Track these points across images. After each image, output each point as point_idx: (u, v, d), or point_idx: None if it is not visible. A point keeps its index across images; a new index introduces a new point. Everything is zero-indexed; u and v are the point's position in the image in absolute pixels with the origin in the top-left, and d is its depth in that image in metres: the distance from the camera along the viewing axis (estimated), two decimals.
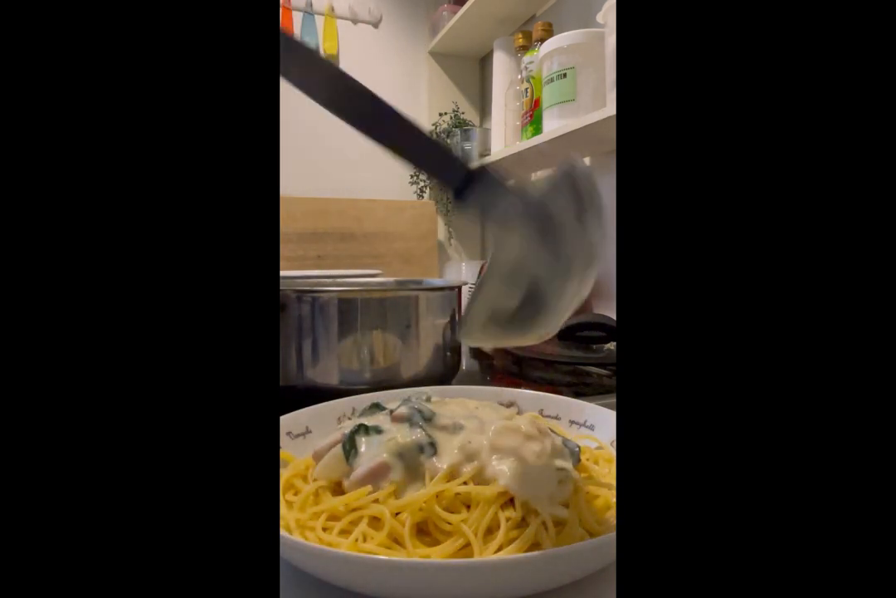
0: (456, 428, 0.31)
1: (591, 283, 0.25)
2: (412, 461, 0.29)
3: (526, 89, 1.03)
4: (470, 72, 1.53)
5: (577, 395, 0.54)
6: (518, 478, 0.27)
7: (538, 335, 0.26)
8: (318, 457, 0.32)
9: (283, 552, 0.22)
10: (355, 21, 1.43)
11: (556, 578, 0.23)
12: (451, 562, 0.21)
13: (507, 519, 0.26)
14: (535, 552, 0.22)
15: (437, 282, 0.65)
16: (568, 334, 0.80)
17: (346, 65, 1.41)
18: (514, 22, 1.29)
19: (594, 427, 0.39)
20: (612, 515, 0.29)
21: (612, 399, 0.51)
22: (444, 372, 0.56)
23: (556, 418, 0.41)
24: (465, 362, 0.79)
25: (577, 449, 0.32)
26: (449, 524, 0.26)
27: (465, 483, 0.27)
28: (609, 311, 1.01)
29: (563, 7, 1.16)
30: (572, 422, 0.40)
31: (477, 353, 0.88)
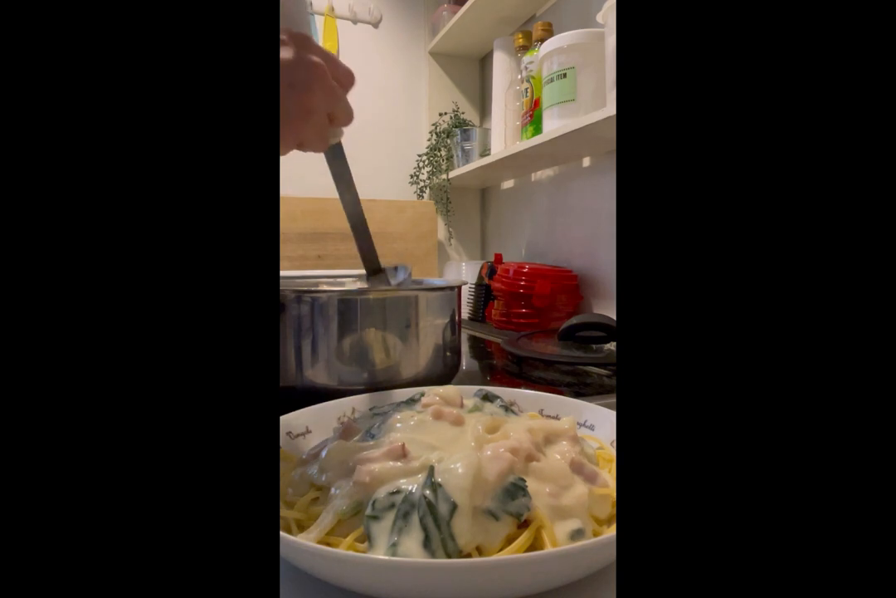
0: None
1: None
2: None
3: (526, 89, 1.03)
4: (470, 72, 1.53)
5: (577, 395, 0.54)
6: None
7: None
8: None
9: (283, 552, 0.22)
10: (355, 21, 1.43)
11: (556, 578, 0.23)
12: (451, 562, 0.21)
13: None
14: (535, 552, 0.22)
15: (437, 282, 0.65)
16: (568, 334, 0.80)
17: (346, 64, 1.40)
18: (514, 22, 1.29)
19: (594, 427, 0.39)
20: (612, 515, 0.29)
21: (612, 399, 0.51)
22: (444, 372, 0.56)
23: (556, 418, 0.41)
24: (465, 362, 0.79)
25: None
26: None
27: None
28: (609, 311, 1.01)
29: (563, 7, 1.16)
30: None
31: (477, 353, 0.88)
